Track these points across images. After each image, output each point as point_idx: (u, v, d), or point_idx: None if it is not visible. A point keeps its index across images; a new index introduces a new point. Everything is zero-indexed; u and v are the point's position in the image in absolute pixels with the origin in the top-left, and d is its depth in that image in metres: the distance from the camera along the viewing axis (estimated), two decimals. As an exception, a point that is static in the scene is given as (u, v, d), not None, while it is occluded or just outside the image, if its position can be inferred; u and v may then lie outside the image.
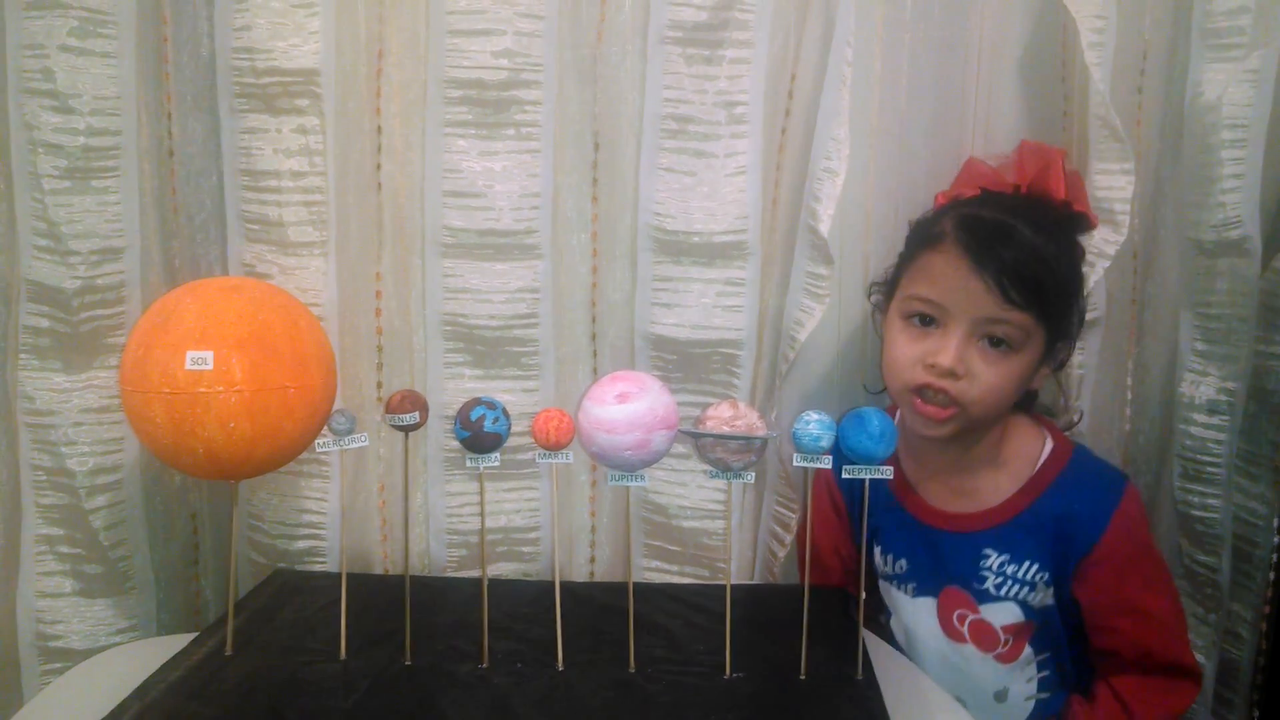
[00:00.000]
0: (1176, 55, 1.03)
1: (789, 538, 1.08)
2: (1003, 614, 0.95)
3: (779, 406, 1.07)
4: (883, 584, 1.03)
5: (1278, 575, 0.98)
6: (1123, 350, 1.10)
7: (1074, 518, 0.92)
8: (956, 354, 0.88)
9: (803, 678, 0.83)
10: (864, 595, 0.87)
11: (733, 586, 0.86)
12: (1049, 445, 0.96)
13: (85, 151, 1.01)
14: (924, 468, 1.00)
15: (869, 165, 1.08)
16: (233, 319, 0.85)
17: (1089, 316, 1.04)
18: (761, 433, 0.80)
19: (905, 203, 1.06)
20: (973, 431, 0.94)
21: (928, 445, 0.98)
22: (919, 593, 0.99)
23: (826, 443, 0.79)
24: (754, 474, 0.88)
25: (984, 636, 0.96)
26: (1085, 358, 1.07)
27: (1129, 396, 1.09)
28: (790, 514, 1.07)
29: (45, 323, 1.03)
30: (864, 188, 1.08)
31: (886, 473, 0.79)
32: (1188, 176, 1.00)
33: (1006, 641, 0.95)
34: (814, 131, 1.02)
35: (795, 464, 0.80)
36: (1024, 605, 0.94)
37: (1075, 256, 0.94)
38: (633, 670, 0.84)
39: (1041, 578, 0.93)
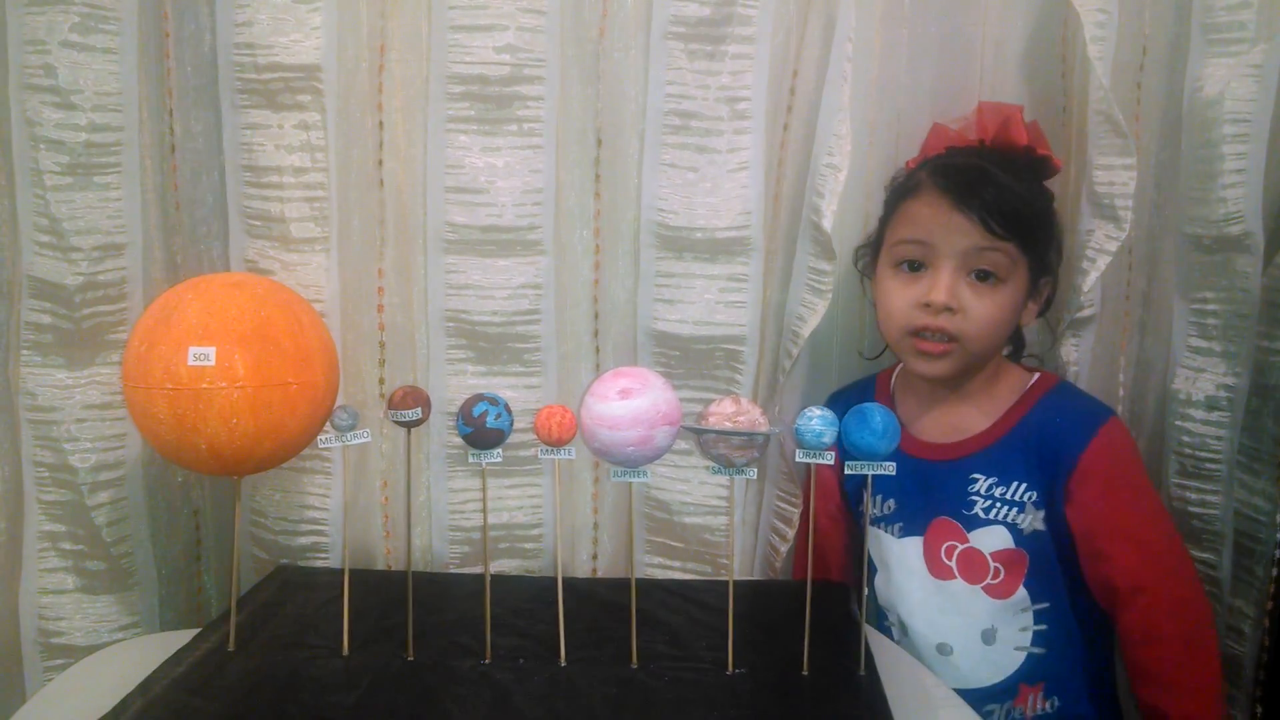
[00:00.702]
0: (1177, 50, 1.02)
1: (791, 533, 1.08)
2: (992, 539, 0.95)
3: (781, 402, 1.07)
4: (872, 531, 1.03)
5: (1280, 571, 0.98)
6: (1115, 346, 1.10)
7: (1058, 433, 0.94)
8: (948, 288, 0.91)
9: (805, 674, 0.83)
10: (866, 592, 0.86)
11: (735, 582, 0.87)
12: (1035, 376, 1.00)
13: (87, 147, 1.01)
14: (919, 407, 1.01)
15: (867, 160, 1.08)
16: (235, 315, 0.86)
17: (1084, 314, 1.04)
18: (764, 429, 0.80)
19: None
20: (970, 370, 0.96)
21: (923, 387, 1.00)
22: (905, 533, 0.99)
23: (829, 439, 0.79)
24: (756, 470, 0.88)
25: (973, 566, 0.96)
26: (1079, 354, 1.07)
27: (1121, 393, 1.09)
28: (792, 509, 1.07)
29: (47, 319, 1.03)
30: (862, 183, 1.08)
31: (889, 469, 0.79)
32: (1187, 172, 1.00)
33: (997, 572, 0.95)
34: (816, 127, 1.02)
35: (798, 459, 0.80)
36: (1014, 529, 0.94)
37: (1046, 197, 0.98)
38: (635, 666, 0.84)
39: (1030, 497, 0.94)
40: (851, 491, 1.05)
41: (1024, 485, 0.94)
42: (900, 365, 1.06)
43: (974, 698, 0.94)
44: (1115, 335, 1.10)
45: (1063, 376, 1.05)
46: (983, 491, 0.96)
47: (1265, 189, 0.94)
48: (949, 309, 0.91)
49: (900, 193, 0.98)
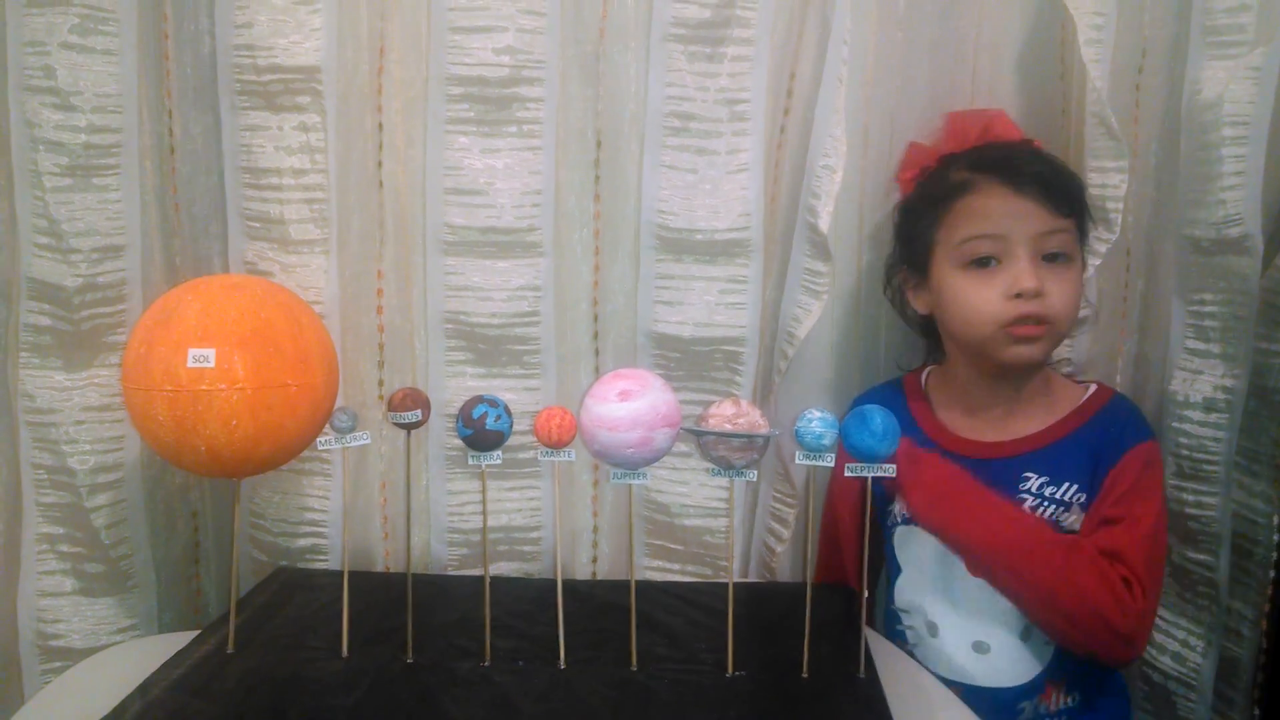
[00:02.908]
0: (1177, 52, 1.03)
1: (787, 533, 1.08)
2: None
3: (781, 404, 1.07)
4: (902, 531, 1.01)
5: (1278, 573, 0.98)
6: (1113, 347, 1.11)
7: (1112, 436, 0.95)
8: (1034, 273, 0.92)
9: (805, 676, 0.83)
10: (866, 594, 0.86)
11: (735, 585, 0.86)
12: (1093, 387, 1.01)
13: (86, 149, 1.01)
14: (968, 407, 1.01)
15: (862, 163, 1.08)
16: (234, 317, 0.85)
17: (1079, 314, 1.04)
18: (764, 431, 0.80)
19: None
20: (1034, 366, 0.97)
21: (976, 387, 1.00)
22: None
23: (829, 440, 0.79)
24: (756, 472, 0.88)
25: None
26: (1075, 355, 1.08)
27: (1118, 394, 1.10)
28: (788, 510, 1.08)
29: (46, 320, 1.03)
30: (859, 186, 1.08)
31: (889, 470, 0.79)
32: (1186, 174, 1.01)
33: None
34: (812, 129, 1.02)
35: (798, 462, 0.80)
36: (1056, 526, 0.95)
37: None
38: (634, 668, 0.84)
39: (1078, 499, 0.94)
40: (878, 494, 1.03)
41: (1075, 487, 0.95)
42: (929, 367, 1.06)
43: (1007, 696, 0.94)
44: (1113, 337, 1.10)
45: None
46: (1034, 490, 0.96)
47: (1264, 191, 0.94)
48: (1039, 293, 0.92)
49: (944, 195, 0.96)
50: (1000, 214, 0.92)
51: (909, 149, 1.03)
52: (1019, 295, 0.92)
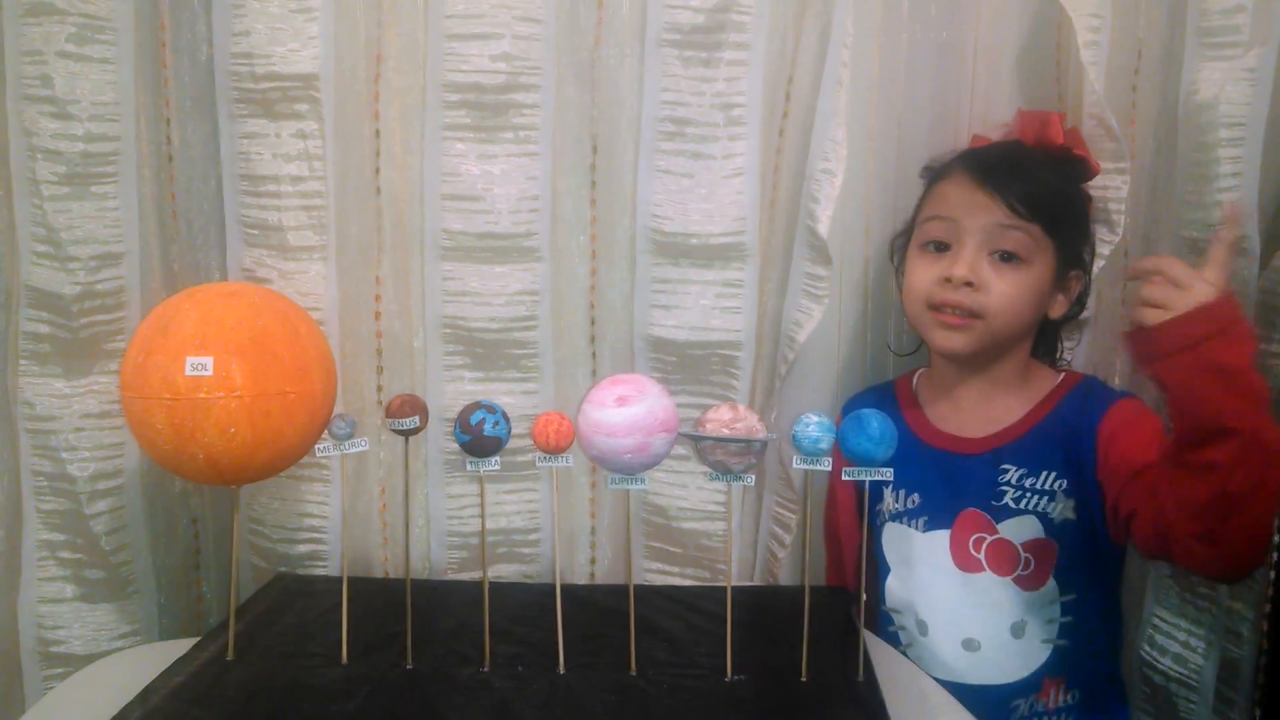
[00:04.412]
0: (1172, 54, 1.03)
1: (789, 538, 1.08)
2: (1022, 529, 0.95)
3: (779, 408, 1.07)
4: (890, 528, 1.02)
5: (1278, 573, 0.98)
6: (1111, 349, 1.11)
7: (1080, 414, 0.95)
8: (969, 263, 0.93)
9: (804, 680, 0.83)
10: (864, 598, 0.86)
11: (733, 588, 0.87)
12: (1063, 374, 1.01)
13: (84, 157, 1.01)
14: (949, 402, 1.02)
15: (867, 166, 1.08)
16: (232, 324, 0.86)
17: (1080, 316, 1.04)
18: (761, 435, 0.80)
19: (903, 204, 1.07)
20: (996, 355, 0.97)
21: (953, 379, 1.00)
22: (930, 526, 0.99)
23: (826, 445, 0.79)
24: (754, 476, 0.88)
25: (1003, 558, 0.95)
26: (1073, 356, 1.07)
27: (1117, 397, 1.10)
28: (790, 514, 1.08)
29: (45, 328, 1.04)
30: (862, 189, 1.08)
31: (886, 474, 0.79)
32: (1183, 175, 1.00)
33: (1027, 562, 0.95)
34: (811, 133, 1.02)
35: (795, 466, 0.80)
36: (1044, 519, 0.94)
37: (1079, 192, 0.99)
38: (634, 673, 0.84)
39: (1060, 486, 0.94)
40: (870, 495, 1.03)
41: (1054, 474, 0.95)
42: (920, 370, 1.07)
43: (1001, 694, 0.94)
44: (1111, 339, 1.10)
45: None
46: (1013, 482, 0.96)
47: (1260, 192, 0.94)
48: (969, 284, 0.92)
49: (932, 178, 1.01)
50: (957, 200, 0.95)
51: (971, 141, 1.04)
52: (948, 280, 0.93)
